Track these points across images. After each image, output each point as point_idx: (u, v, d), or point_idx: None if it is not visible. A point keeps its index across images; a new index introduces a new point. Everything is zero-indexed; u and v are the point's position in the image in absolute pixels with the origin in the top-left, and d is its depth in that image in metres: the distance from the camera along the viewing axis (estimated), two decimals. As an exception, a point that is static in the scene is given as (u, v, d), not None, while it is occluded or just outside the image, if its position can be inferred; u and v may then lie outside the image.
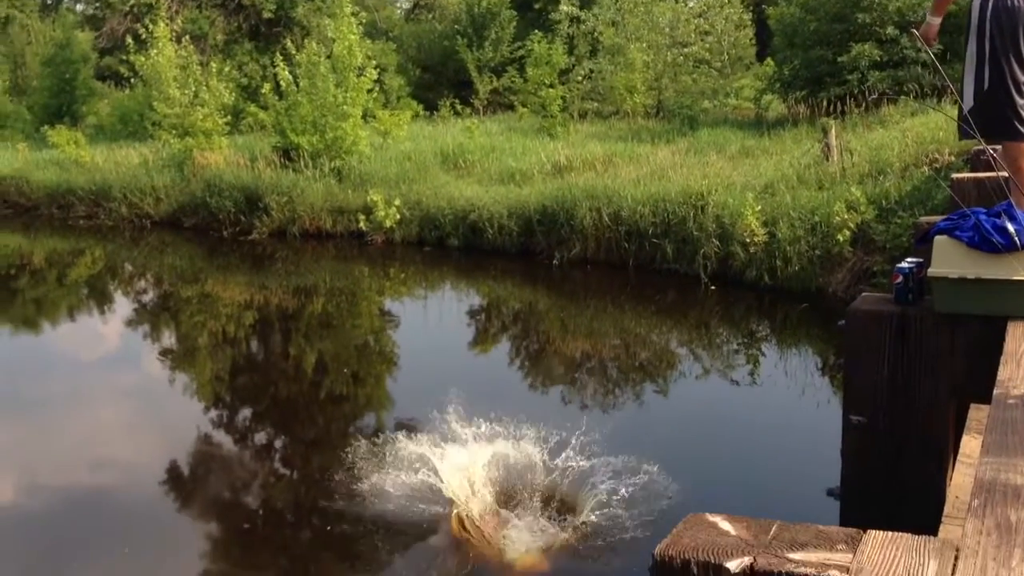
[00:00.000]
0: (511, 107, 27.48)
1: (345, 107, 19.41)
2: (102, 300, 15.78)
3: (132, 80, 26.64)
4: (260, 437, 7.94)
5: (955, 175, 7.03)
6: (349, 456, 7.07)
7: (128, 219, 20.78)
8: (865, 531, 2.10)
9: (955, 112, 6.13)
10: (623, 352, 10.86)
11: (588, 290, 14.01)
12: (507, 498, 6.47)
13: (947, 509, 3.10)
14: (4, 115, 34.25)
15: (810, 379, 9.34)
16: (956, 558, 1.97)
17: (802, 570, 1.98)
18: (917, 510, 3.94)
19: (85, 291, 16.71)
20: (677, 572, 2.11)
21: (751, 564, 2.03)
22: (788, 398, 8.70)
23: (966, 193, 4.94)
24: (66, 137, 24.66)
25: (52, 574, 6.06)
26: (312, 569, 6.02)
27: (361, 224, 17.22)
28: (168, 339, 12.83)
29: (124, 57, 24.72)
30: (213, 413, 9.04)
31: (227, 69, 24.88)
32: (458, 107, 29.33)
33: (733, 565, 2.03)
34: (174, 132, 21.26)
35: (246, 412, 8.71)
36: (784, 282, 12.16)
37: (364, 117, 20.68)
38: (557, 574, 5.80)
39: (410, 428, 6.97)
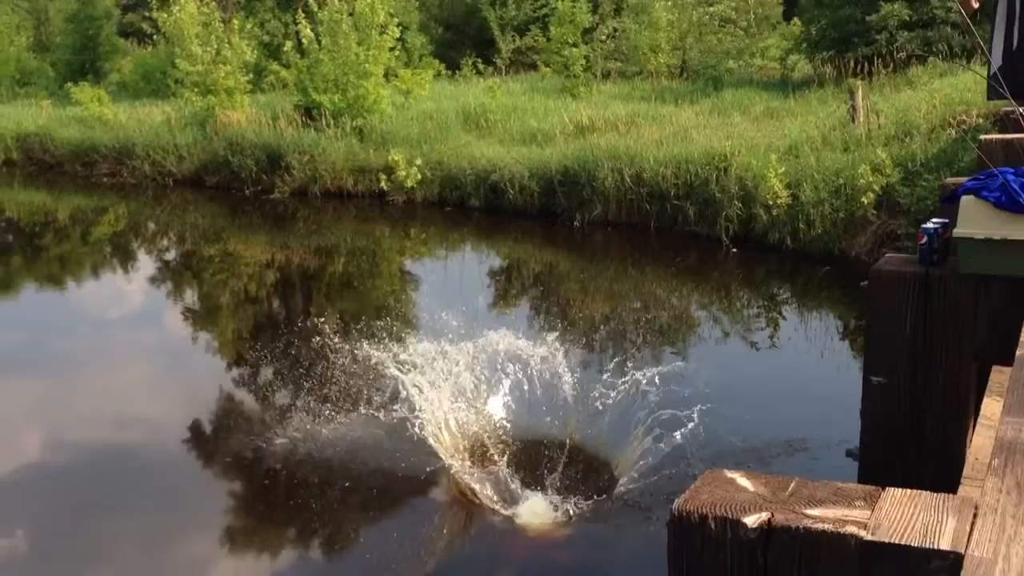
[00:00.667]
0: (534, 67, 27.25)
1: (367, 65, 19.33)
2: (126, 258, 15.90)
3: (155, 37, 26.59)
4: (280, 395, 8.01)
5: (983, 136, 6.93)
6: (368, 413, 7.13)
7: (151, 177, 20.86)
8: (884, 488, 2.10)
9: (985, 72, 6.02)
10: (643, 314, 10.85)
11: (609, 252, 13.98)
12: (520, 460, 6.51)
13: (966, 471, 3.09)
14: (28, 72, 34.35)
15: (831, 341, 9.31)
16: (975, 516, 1.96)
17: (820, 526, 1.98)
18: (936, 472, 3.94)
19: (109, 249, 16.83)
20: (695, 527, 2.11)
21: (768, 519, 2.04)
22: (809, 360, 8.68)
23: (994, 154, 4.86)
24: (89, 94, 24.70)
25: (77, 527, 6.18)
26: (328, 523, 6.09)
27: (382, 184, 17.21)
28: (190, 298, 12.93)
29: (147, 14, 24.69)
30: (234, 370, 9.13)
31: (249, 26, 24.77)
32: (480, 66, 29.11)
33: (750, 520, 2.04)
34: (196, 90, 21.26)
35: (266, 370, 8.78)
36: (806, 245, 12.08)
37: (386, 76, 20.59)
38: (570, 534, 5.85)
39: (429, 384, 7.01)
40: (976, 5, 5.54)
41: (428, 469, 6.44)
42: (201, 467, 6.89)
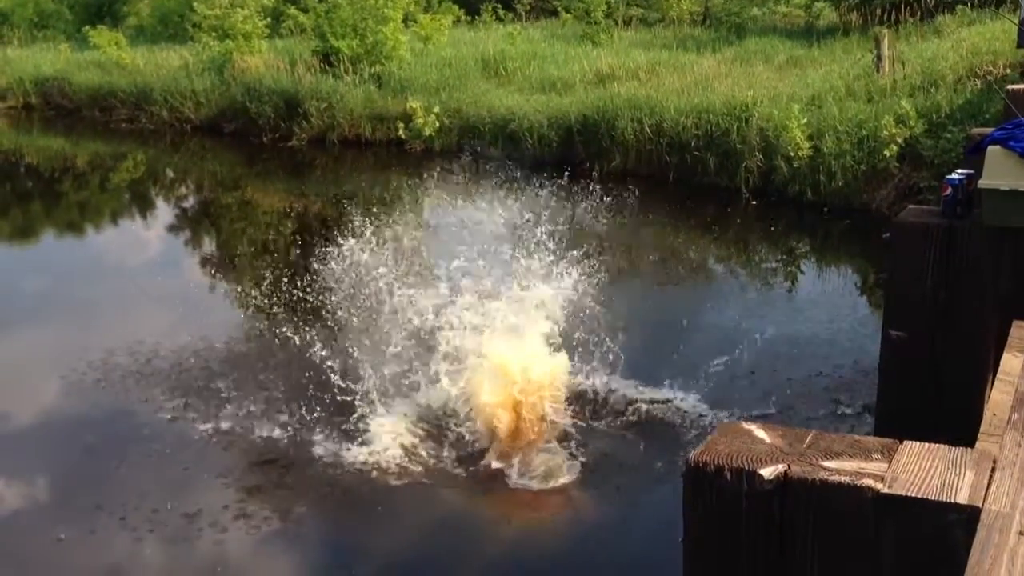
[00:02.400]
0: (554, 12, 26.89)
1: (386, 10, 19.13)
2: (143, 205, 15.94)
3: (172, -20, 26.42)
4: (296, 343, 8.03)
5: (1011, 86, 6.82)
6: (385, 364, 7.16)
7: (169, 123, 20.82)
8: (901, 441, 2.09)
9: (1016, 18, 5.89)
10: (660, 266, 10.81)
11: (627, 203, 13.88)
12: (535, 411, 6.53)
13: (984, 425, 3.08)
14: (46, 14, 34.15)
15: (850, 296, 9.26)
16: (993, 470, 1.96)
17: (836, 478, 1.98)
18: (953, 427, 3.91)
19: (127, 196, 16.87)
20: (710, 478, 2.12)
21: (785, 471, 2.04)
22: (827, 314, 8.64)
23: (1022, 104, 4.78)
24: (107, 38, 24.60)
25: (92, 472, 6.27)
26: (341, 483, 6.13)
27: (400, 132, 17.12)
28: (207, 246, 12.97)
29: (164, -43, 24.45)
30: (250, 319, 9.13)
31: (267, -30, 24.53)
32: (500, 12, 28.75)
33: (767, 472, 2.04)
34: (214, 34, 21.11)
35: (282, 318, 8.80)
36: (827, 198, 11.97)
37: (405, 21, 20.38)
38: (581, 483, 5.89)
39: (444, 335, 7.03)
40: None
41: (447, 422, 6.49)
42: (211, 413, 6.91)
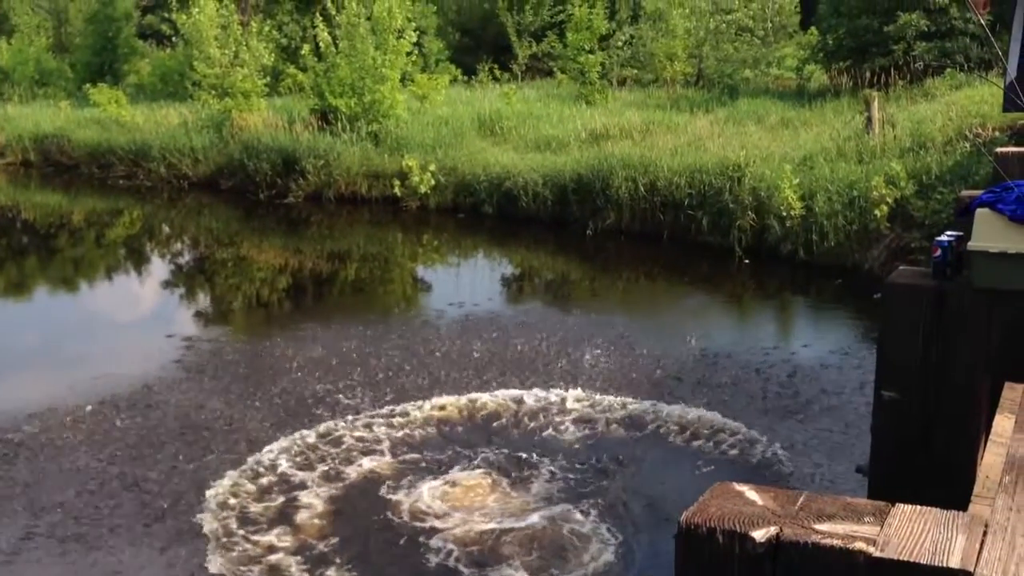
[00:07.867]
0: (550, 73, 27.33)
1: (384, 70, 19.39)
2: (139, 261, 15.97)
3: (173, 39, 26.75)
4: (289, 399, 8.01)
5: (999, 149, 6.91)
6: (383, 422, 7.13)
7: (167, 180, 20.93)
8: (893, 504, 2.09)
9: (1002, 83, 5.99)
10: (654, 324, 10.82)
11: (621, 261, 13.96)
12: (523, 470, 6.51)
13: (977, 488, 3.06)
14: (47, 72, 34.55)
15: (841, 355, 9.26)
16: (985, 534, 1.95)
17: (828, 541, 1.97)
18: (946, 489, 3.90)
19: (123, 252, 16.90)
20: (703, 540, 2.10)
21: (777, 534, 2.03)
22: (818, 373, 8.64)
23: (1010, 167, 4.85)
24: (107, 96, 24.85)
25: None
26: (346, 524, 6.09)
27: (396, 190, 17.24)
28: (203, 301, 12.96)
29: (166, 15, 24.79)
30: (244, 375, 9.12)
31: (267, 29, 24.86)
32: (497, 72, 29.20)
33: (759, 535, 2.03)
34: (213, 92, 21.34)
35: (278, 375, 8.79)
36: (819, 257, 12.06)
37: (402, 80, 20.64)
38: (580, 536, 5.84)
39: (434, 395, 7.04)
40: (985, 10, 5.51)
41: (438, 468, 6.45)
42: (205, 479, 6.89)
